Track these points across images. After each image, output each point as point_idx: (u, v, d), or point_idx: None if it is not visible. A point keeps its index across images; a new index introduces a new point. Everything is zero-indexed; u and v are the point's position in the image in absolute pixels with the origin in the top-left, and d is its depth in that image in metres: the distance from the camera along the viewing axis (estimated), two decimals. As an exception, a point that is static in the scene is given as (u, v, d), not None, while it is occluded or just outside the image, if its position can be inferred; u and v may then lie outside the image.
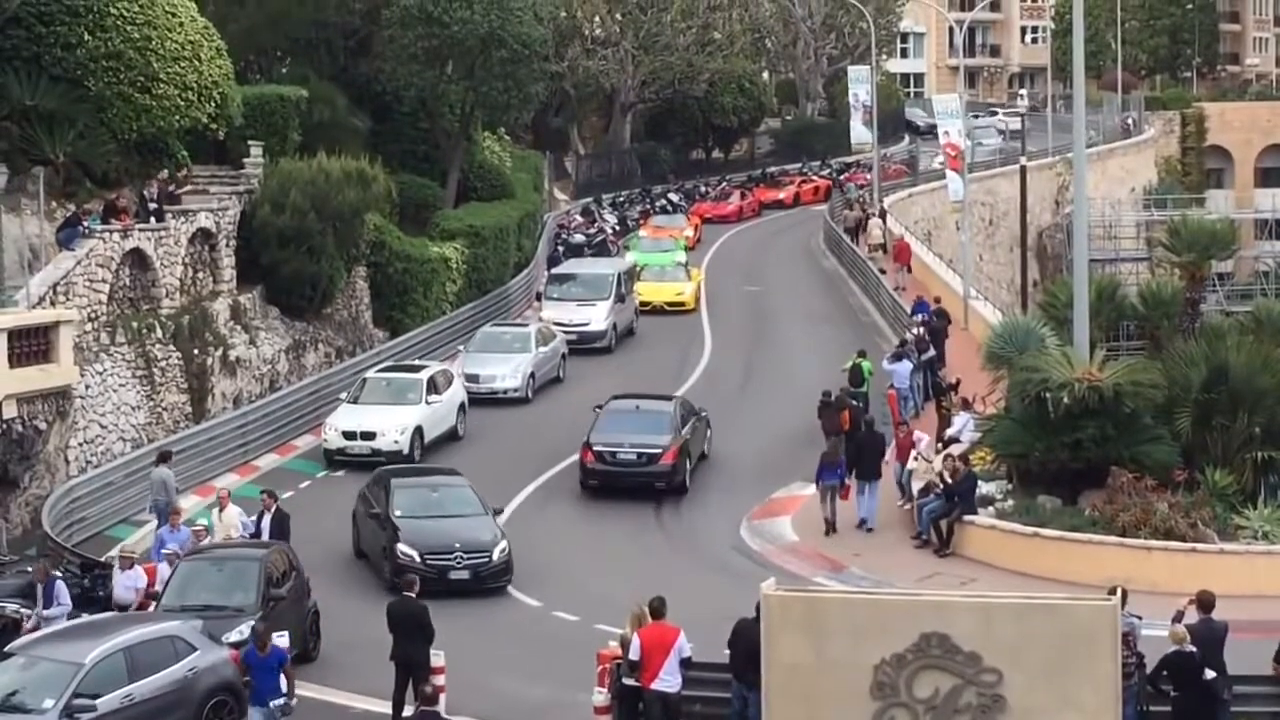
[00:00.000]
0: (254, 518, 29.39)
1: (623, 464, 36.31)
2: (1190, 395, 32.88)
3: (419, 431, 38.61)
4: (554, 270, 55.40)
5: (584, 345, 50.00)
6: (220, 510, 29.75)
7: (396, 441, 38.06)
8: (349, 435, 38.26)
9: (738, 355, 51.04)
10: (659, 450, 36.26)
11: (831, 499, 33.77)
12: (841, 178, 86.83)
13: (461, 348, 46.78)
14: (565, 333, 49.28)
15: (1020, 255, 65.77)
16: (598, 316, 50.93)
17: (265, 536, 28.50)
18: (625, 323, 52.72)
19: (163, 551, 27.95)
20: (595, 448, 36.39)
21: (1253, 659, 22.07)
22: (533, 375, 44.92)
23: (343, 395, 40.24)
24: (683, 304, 57.57)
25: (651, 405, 38.03)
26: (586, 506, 36.18)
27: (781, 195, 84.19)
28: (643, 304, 56.03)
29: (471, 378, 43.84)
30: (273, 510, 29.23)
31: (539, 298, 53.22)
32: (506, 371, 44.38)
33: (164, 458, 32.69)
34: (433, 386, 40.06)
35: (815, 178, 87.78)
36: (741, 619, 21.63)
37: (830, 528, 33.63)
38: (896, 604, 18.18)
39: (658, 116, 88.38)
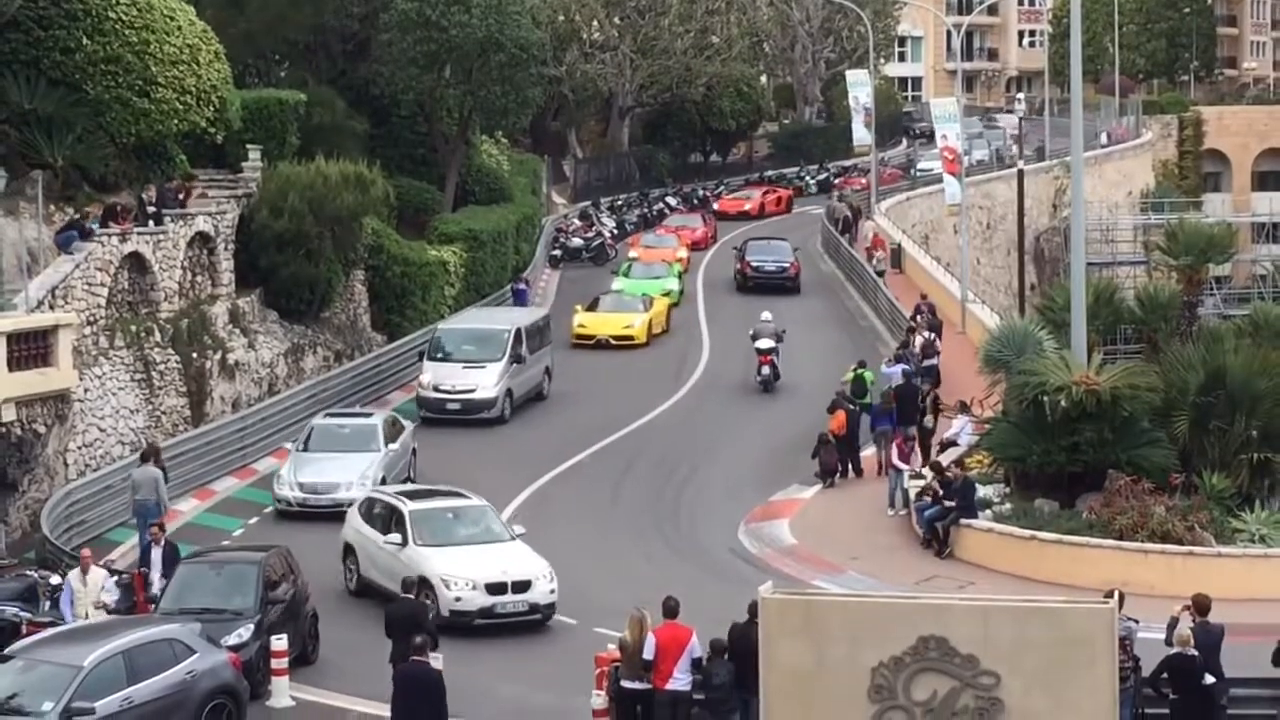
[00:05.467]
0: (121, 577, 26.91)
1: (767, 273, 60.76)
2: (1188, 399, 32.92)
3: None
4: (440, 325, 46.45)
5: (469, 416, 42.40)
6: (84, 573, 25.96)
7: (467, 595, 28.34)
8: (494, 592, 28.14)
9: (735, 357, 51.06)
10: (788, 265, 61.11)
11: (884, 444, 36.87)
12: (836, 181, 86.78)
13: (289, 445, 37.68)
14: (449, 400, 42.58)
15: (1018, 259, 65.82)
16: (486, 382, 42.75)
17: (160, 569, 26.65)
18: (528, 387, 44.60)
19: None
20: (750, 263, 60.99)
21: (1250, 662, 22.11)
22: (384, 480, 35.26)
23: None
24: (631, 338, 51.77)
25: (776, 242, 63.60)
26: (584, 510, 36.24)
27: (747, 206, 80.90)
28: (584, 338, 51.41)
29: (307, 488, 34.95)
30: (161, 542, 27.42)
31: (422, 357, 44.27)
32: (352, 478, 34.76)
33: (148, 455, 32.30)
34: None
35: (778, 188, 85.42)
36: (734, 623, 21.69)
37: (880, 468, 37.23)
38: (894, 607, 18.20)
39: (656, 120, 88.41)
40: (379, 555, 29.13)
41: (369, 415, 38.69)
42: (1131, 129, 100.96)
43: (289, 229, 42.86)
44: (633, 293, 55.18)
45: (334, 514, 33.20)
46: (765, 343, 46.47)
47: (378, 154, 51.75)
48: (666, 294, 56.76)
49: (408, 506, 29.68)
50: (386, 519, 29.66)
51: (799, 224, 77.63)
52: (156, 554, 27.13)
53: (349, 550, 30.18)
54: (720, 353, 51.88)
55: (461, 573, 28.10)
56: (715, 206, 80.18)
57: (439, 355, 43.75)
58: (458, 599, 27.93)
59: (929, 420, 38.51)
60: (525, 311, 49.63)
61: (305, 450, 36.22)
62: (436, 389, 42.77)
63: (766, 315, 48.24)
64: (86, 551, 26.86)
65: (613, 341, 51.54)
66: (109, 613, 25.47)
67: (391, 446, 36.46)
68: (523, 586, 28.19)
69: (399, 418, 38.80)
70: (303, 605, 26.46)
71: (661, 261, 61.00)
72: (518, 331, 44.09)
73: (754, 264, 60.92)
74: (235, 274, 42.11)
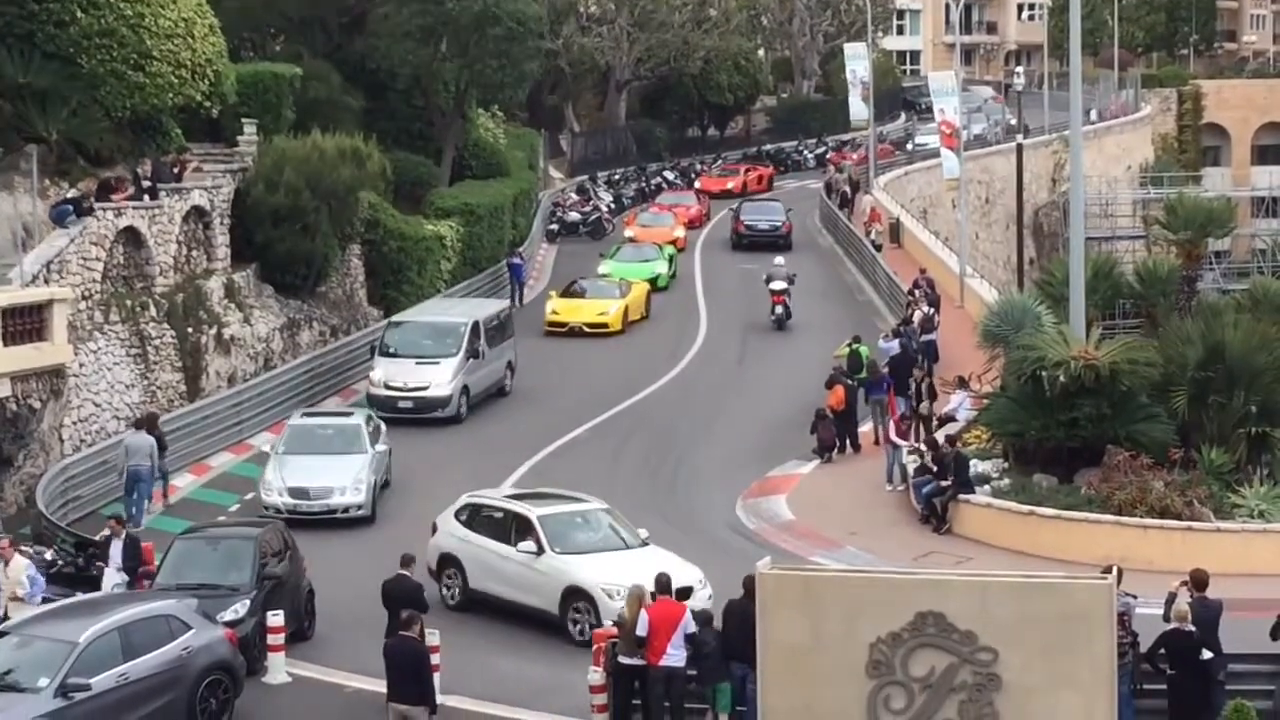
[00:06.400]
0: (42, 566, 26.12)
1: (760, 231, 64.14)
2: (1186, 373, 32.84)
3: None
4: (394, 318, 44.33)
5: (422, 415, 40.26)
6: (5, 564, 24.76)
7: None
8: None
9: (733, 334, 50.97)
10: (780, 224, 64.52)
11: (881, 415, 37.96)
12: (829, 157, 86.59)
13: (268, 447, 35.29)
14: (400, 398, 40.40)
15: (1016, 233, 65.75)
16: (440, 379, 40.58)
17: (117, 562, 26.00)
18: (487, 383, 42.62)
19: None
20: (744, 222, 64.85)
21: (1248, 638, 22.06)
22: (375, 483, 33.76)
23: None
24: (605, 325, 50.21)
25: (769, 203, 68.68)
26: (580, 487, 36.12)
27: (730, 185, 79.39)
28: (557, 325, 50.15)
29: (298, 493, 32.85)
30: (122, 536, 26.44)
31: (374, 352, 42.12)
32: (347, 482, 32.99)
33: (143, 423, 32.11)
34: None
35: (759, 166, 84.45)
36: (731, 599, 21.69)
37: (876, 441, 38.01)
38: (892, 583, 18.14)
39: (653, 94, 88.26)
40: (504, 566, 27.19)
41: (350, 414, 36.74)
42: (1130, 103, 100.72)
43: (285, 203, 42.74)
44: (616, 277, 54.07)
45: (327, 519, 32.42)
46: (779, 284, 51.36)
47: (374, 128, 51.55)
48: (653, 278, 55.69)
49: (535, 512, 27.51)
50: (505, 526, 27.55)
51: (799, 197, 77.38)
52: (116, 547, 26.23)
53: (449, 561, 27.84)
54: (718, 328, 51.86)
55: (623, 582, 25.10)
56: (698, 185, 78.71)
57: (391, 350, 41.62)
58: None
59: (925, 406, 38.40)
60: (485, 304, 46.92)
61: (285, 452, 33.84)
62: (388, 386, 40.61)
63: (779, 260, 53.53)
64: (5, 541, 25.39)
65: (586, 329, 50.09)
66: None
67: (378, 447, 34.53)
68: (685, 594, 24.48)
69: (373, 414, 36.90)
70: (299, 581, 26.41)
71: (654, 243, 59.91)
72: (475, 325, 41.98)
73: (748, 223, 64.89)
74: (231, 248, 41.99)
